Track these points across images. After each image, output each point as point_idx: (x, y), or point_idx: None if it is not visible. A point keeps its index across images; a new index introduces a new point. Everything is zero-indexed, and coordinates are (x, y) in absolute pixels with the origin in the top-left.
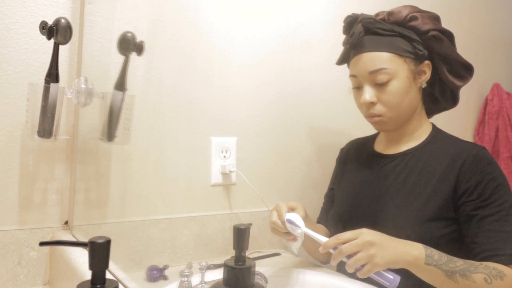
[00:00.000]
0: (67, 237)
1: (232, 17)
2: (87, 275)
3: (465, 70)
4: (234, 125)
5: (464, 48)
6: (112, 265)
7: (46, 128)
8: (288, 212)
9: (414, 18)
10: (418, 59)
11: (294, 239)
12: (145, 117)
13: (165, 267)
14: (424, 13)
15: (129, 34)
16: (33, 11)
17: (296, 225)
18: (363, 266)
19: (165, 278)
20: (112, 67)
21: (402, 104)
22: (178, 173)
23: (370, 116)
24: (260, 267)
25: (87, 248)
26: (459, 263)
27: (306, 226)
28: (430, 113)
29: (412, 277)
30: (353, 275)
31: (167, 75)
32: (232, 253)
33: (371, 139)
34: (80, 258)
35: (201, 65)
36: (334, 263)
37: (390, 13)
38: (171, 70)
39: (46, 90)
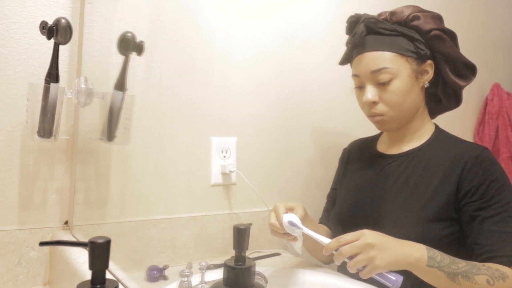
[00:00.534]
0: (67, 237)
1: (232, 17)
2: (87, 275)
3: (468, 70)
4: (234, 125)
5: (464, 48)
6: (112, 265)
7: (46, 128)
8: (286, 212)
9: (416, 18)
10: (420, 58)
11: (294, 239)
12: (145, 117)
13: (165, 267)
14: (427, 13)
15: (129, 34)
16: (33, 11)
17: (295, 226)
18: (364, 267)
19: (165, 278)
20: (112, 67)
21: (404, 103)
22: (178, 173)
23: (372, 116)
24: (260, 267)
25: (87, 248)
26: (462, 265)
27: (307, 226)
28: (433, 113)
29: (412, 277)
30: (353, 275)
31: (167, 75)
32: (232, 253)
33: (374, 139)
34: (80, 258)
35: (201, 65)
36: (338, 263)
37: (392, 13)
38: (171, 70)
39: (46, 90)
